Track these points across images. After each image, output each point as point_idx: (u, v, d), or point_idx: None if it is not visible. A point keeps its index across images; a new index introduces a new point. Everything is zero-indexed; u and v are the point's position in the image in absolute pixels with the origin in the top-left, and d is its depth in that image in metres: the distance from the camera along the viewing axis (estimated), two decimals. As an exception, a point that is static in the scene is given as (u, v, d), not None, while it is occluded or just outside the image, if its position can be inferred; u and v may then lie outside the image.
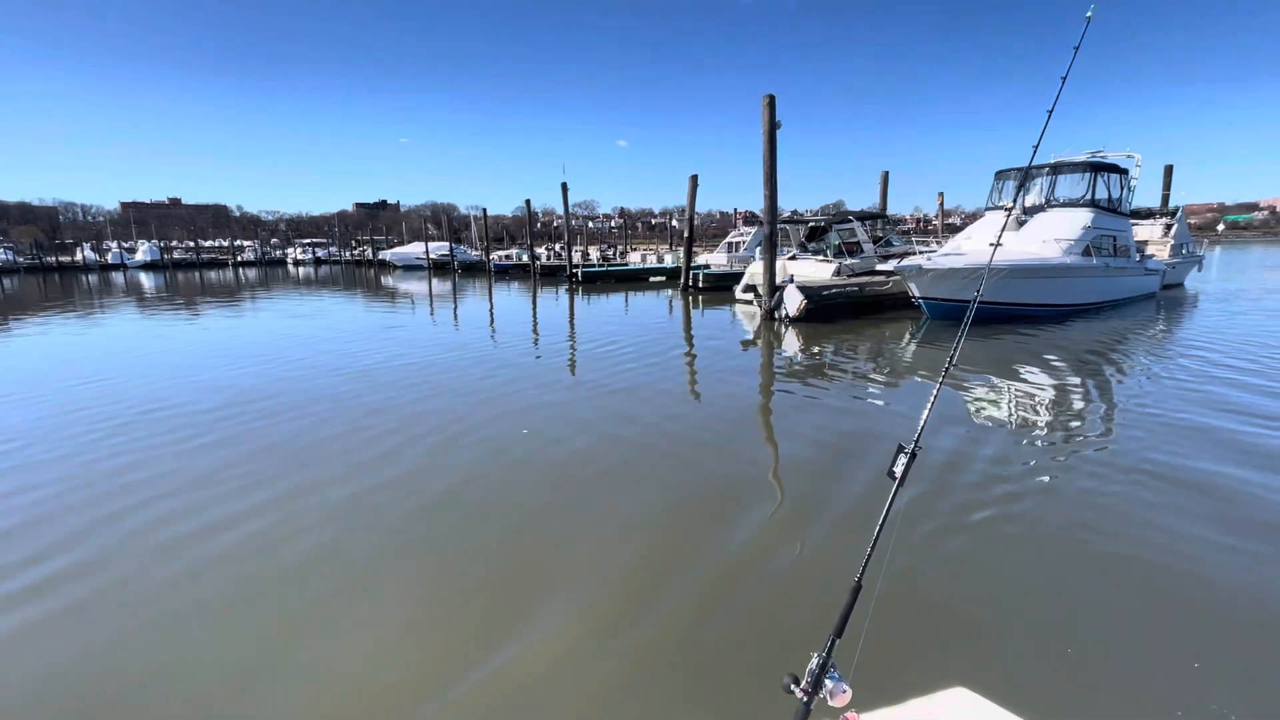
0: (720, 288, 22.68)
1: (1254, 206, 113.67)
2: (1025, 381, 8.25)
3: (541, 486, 4.94)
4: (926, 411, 2.02)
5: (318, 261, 70.57)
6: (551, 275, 34.44)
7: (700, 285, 22.42)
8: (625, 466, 5.36)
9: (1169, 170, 24.14)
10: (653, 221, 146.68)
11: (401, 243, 72.34)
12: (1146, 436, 5.89)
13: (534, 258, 34.76)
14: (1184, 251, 19.81)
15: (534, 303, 21.09)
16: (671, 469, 5.30)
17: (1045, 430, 6.22)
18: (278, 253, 76.05)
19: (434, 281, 33.50)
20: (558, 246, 50.77)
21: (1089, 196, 14.71)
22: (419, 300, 22.65)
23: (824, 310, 13.87)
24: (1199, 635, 3.09)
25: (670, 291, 24.15)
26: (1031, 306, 13.18)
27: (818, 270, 16.41)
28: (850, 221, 18.12)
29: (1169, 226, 19.92)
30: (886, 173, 23.33)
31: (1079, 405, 7.19)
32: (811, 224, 19.29)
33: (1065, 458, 5.44)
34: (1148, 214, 21.54)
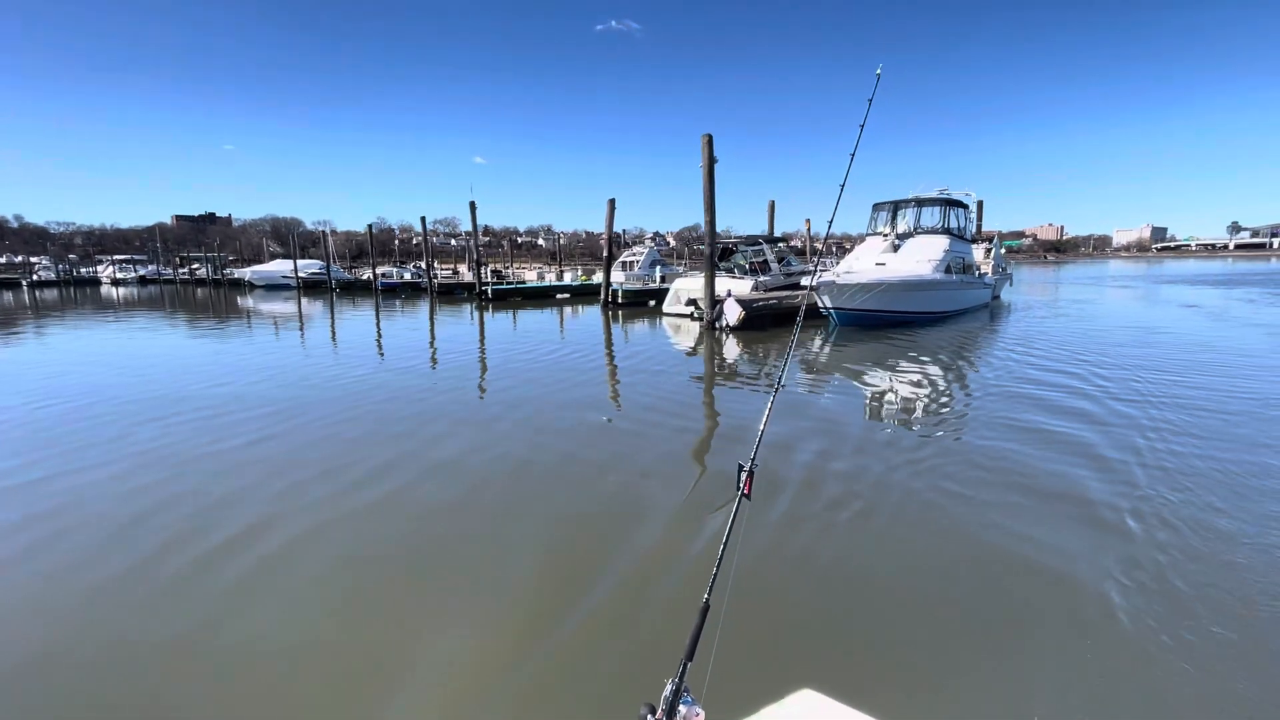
0: (636, 303, 24.44)
1: (1022, 234, 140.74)
2: (891, 377, 9.75)
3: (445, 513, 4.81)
4: (762, 427, 2.09)
5: (142, 280, 61.63)
6: (448, 294, 34.05)
7: (619, 301, 23.96)
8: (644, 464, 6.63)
9: (980, 205, 30.19)
10: (519, 240, 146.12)
11: (241, 260, 65.68)
12: (981, 429, 6.61)
13: (431, 275, 34.12)
14: (1001, 270, 25.12)
15: (481, 323, 21.26)
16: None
17: (895, 425, 6.85)
18: (85, 270, 65.02)
19: (306, 303, 31.62)
20: (420, 264, 49.67)
21: (944, 225, 18.54)
22: (309, 324, 21.70)
23: (755, 320, 16.06)
24: (1030, 619, 3.32)
25: (585, 308, 25.44)
26: (911, 314, 16.38)
27: (737, 286, 18.68)
28: (760, 244, 20.79)
29: (988, 250, 25.14)
30: (773, 201, 26.79)
31: (927, 400, 8.12)
32: (724, 246, 21.71)
33: (911, 452, 5.88)
34: (972, 240, 26.92)
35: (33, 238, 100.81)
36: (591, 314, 22.63)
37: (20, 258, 76.19)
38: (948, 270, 17.44)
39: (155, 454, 6.19)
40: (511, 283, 32.33)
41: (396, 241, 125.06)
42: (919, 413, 7.50)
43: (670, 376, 9.99)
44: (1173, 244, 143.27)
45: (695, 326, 17.44)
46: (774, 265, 20.35)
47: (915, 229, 18.80)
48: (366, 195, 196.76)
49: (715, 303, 16.02)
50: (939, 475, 5.32)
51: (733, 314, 15.50)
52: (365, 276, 46.75)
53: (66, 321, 21.66)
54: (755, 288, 18.66)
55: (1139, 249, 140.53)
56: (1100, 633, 3.21)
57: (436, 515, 4.66)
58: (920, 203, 18.96)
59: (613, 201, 23.08)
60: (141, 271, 66.28)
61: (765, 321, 16.52)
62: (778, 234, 27.37)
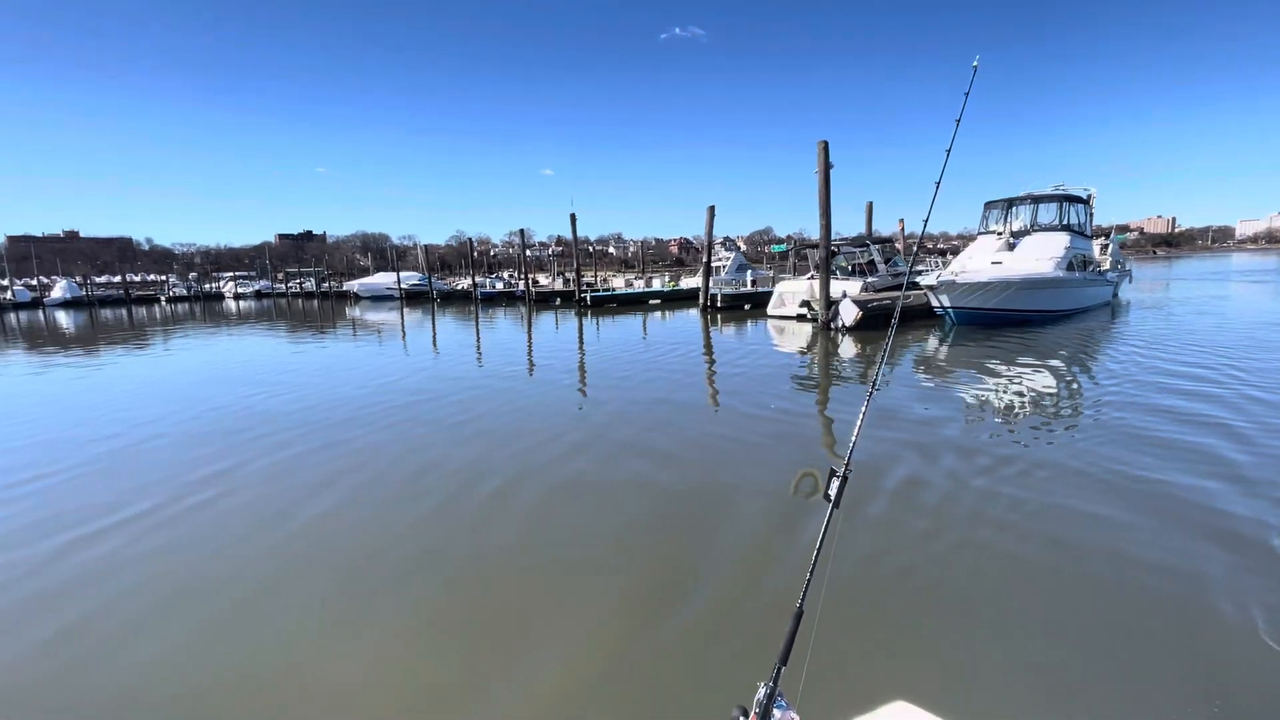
0: (733, 307, 25.23)
1: (1126, 228, 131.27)
2: (1011, 379, 9.46)
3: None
4: (855, 433, 2.08)
5: (258, 295, 67.94)
6: (544, 301, 35.93)
7: (719, 305, 24.80)
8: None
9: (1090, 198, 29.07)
10: (590, 248, 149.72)
11: (341, 274, 70.93)
12: (1100, 439, 6.15)
13: (529, 284, 36.12)
14: (1119, 266, 24.20)
15: (580, 329, 22.66)
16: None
17: (1010, 431, 6.52)
18: (208, 286, 72.38)
19: (414, 313, 34.07)
20: (506, 274, 52.20)
21: (1064, 222, 18.31)
22: (423, 332, 23.70)
23: (871, 320, 16.49)
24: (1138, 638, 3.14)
25: (679, 313, 26.46)
26: (1033, 312, 16.32)
27: (847, 288, 19.12)
28: (867, 245, 21.14)
29: (1105, 246, 24.29)
30: (871, 203, 26.91)
31: (1046, 405, 7.68)
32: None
33: (1024, 461, 5.56)
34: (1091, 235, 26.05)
35: (161, 258, 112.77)
36: (689, 318, 23.59)
37: (152, 276, 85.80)
38: (1069, 267, 17.24)
39: (384, 426, 7.54)
40: (607, 290, 33.85)
41: (474, 253, 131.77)
42: (1037, 419, 7.10)
43: (777, 378, 10.21)
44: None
45: (802, 328, 18.03)
46: (881, 266, 20.61)
47: (1032, 226, 18.64)
48: (445, 210, 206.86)
49: (830, 304, 16.57)
50: (1053, 489, 4.95)
51: (849, 315, 16.01)
52: (460, 287, 49.76)
53: (232, 331, 24.70)
54: (864, 289, 19.03)
55: (1269, 240, 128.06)
56: (1232, 674, 2.90)
57: (540, 514, 4.81)
58: (1036, 199, 18.79)
59: (712, 209, 24.00)
60: (256, 286, 72.86)
61: (879, 321, 16.90)
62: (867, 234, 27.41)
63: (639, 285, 37.91)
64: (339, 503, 5.23)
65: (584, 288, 30.68)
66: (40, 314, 41.91)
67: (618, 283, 40.55)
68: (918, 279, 19.10)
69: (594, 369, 11.79)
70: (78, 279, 60.12)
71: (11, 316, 39.69)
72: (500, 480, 5.55)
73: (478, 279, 50.51)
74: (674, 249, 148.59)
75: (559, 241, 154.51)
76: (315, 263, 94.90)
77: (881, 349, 2.83)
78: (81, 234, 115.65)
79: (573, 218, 29.23)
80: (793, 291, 20.37)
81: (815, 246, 22.99)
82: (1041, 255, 17.05)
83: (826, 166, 15.75)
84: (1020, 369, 10.39)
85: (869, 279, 19.68)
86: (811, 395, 9.01)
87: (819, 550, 1.84)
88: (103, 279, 75.63)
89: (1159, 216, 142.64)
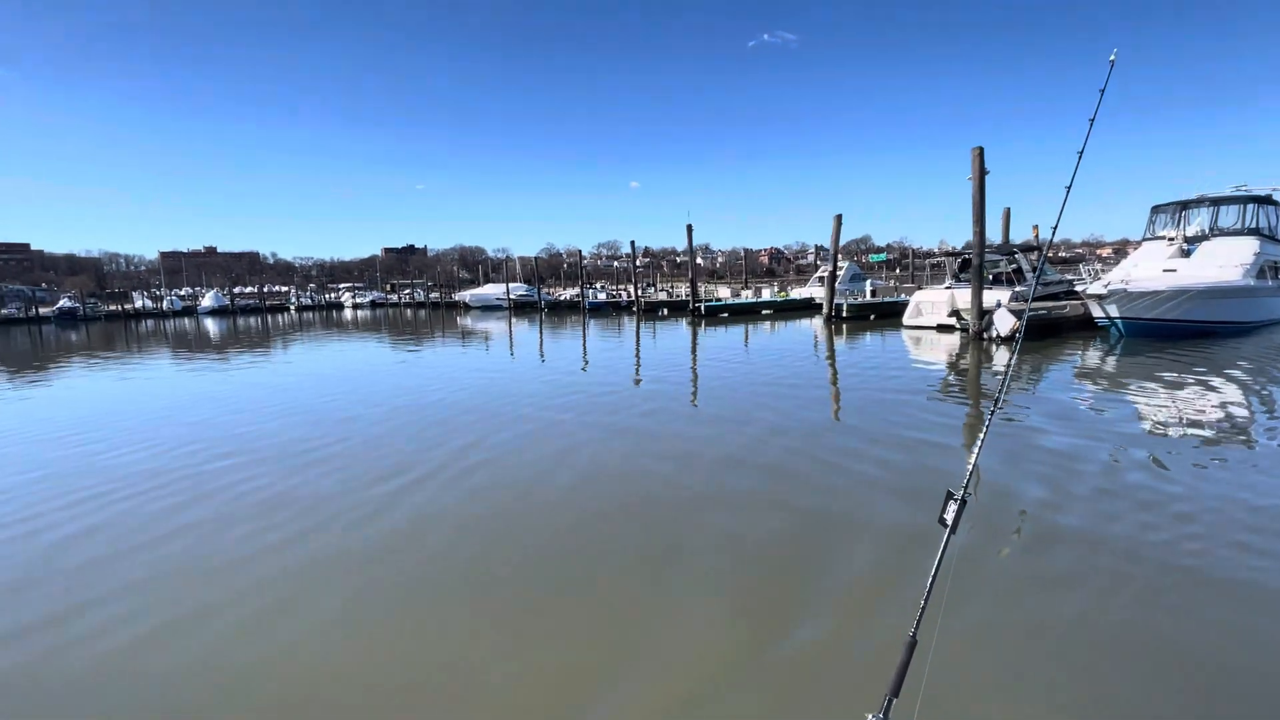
0: (858, 317, 25.10)
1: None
2: (1189, 399, 8.79)
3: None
4: (974, 455, 2.02)
5: (373, 305, 73.93)
6: (651, 312, 37.03)
7: (844, 315, 24.78)
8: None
9: None
10: (677, 259, 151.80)
11: (444, 286, 75.44)
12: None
13: (639, 294, 37.35)
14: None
15: (693, 338, 23.38)
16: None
17: (1177, 461, 5.96)
18: (328, 296, 79.51)
19: (516, 321, 35.90)
20: (604, 285, 53.66)
21: (1251, 225, 17.10)
22: (561, 340, 25.09)
23: (1026, 330, 16.10)
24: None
25: (792, 323, 26.64)
26: (1215, 324, 15.36)
27: (993, 298, 18.70)
28: (1015, 253, 20.59)
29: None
30: (1009, 209, 26.02)
31: (1227, 433, 6.88)
32: (963, 258, 21.73)
33: (1193, 500, 4.93)
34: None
35: (283, 270, 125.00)
36: (806, 330, 23.79)
37: (279, 287, 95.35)
38: (1260, 274, 16.09)
39: (525, 421, 8.40)
40: (716, 300, 34.51)
41: (564, 265, 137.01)
42: (1214, 448, 6.34)
43: (917, 392, 9.96)
44: None
45: (943, 339, 17.78)
46: (1029, 274, 19.98)
47: (1211, 231, 17.53)
48: (535, 221, 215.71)
49: (983, 313, 16.33)
50: (1224, 542, 4.28)
51: (1005, 324, 15.72)
52: (564, 297, 52.01)
53: (371, 339, 27.33)
54: (1014, 298, 18.53)
55: None
56: None
57: (650, 524, 4.85)
58: (1215, 202, 17.66)
59: (839, 218, 24.08)
60: (370, 296, 79.24)
61: (1035, 332, 16.45)
62: (994, 242, 26.47)
63: (746, 295, 38.27)
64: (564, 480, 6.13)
65: (697, 299, 31.37)
66: (188, 321, 47.76)
67: (723, 293, 41.08)
68: (1078, 287, 18.42)
69: (716, 380, 12.05)
70: (222, 290, 67.88)
71: (170, 323, 45.51)
72: (624, 487, 5.74)
73: (578, 290, 52.65)
74: (764, 259, 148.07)
75: (647, 252, 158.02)
76: (418, 274, 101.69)
77: (1008, 363, 2.91)
78: (219, 249, 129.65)
79: (689, 229, 30.12)
80: (932, 301, 20.12)
81: (955, 255, 22.59)
82: (1226, 262, 16.01)
83: (981, 172, 15.63)
84: (1201, 389, 9.64)
85: (1017, 288, 19.13)
86: (959, 409, 8.71)
87: (934, 578, 1.81)
88: (236, 290, 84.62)
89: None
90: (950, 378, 11.80)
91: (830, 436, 7.31)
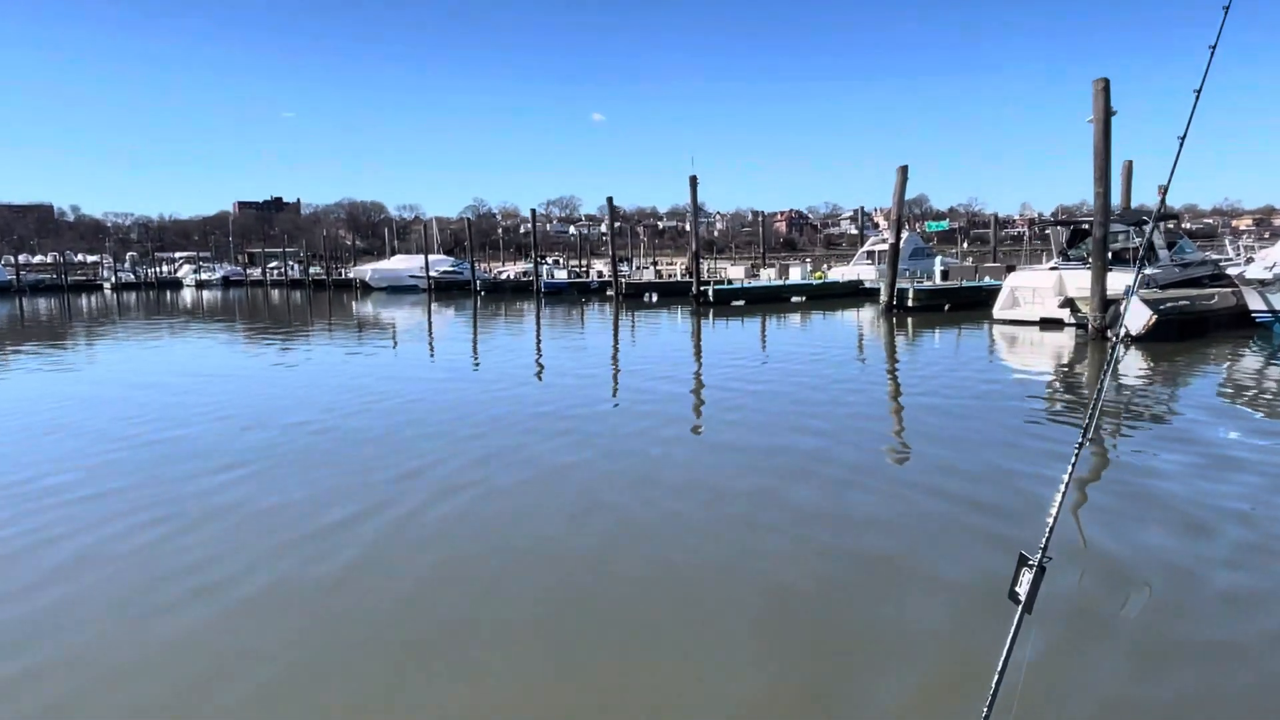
0: (929, 306, 25.84)
1: None
2: None
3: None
4: (1057, 503, 2.14)
5: (226, 282, 72.96)
6: (634, 297, 37.43)
7: (910, 305, 25.49)
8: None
9: None
10: (659, 225, 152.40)
11: (329, 257, 74.68)
12: None
13: (618, 274, 37.80)
14: None
15: (697, 335, 23.82)
16: None
17: None
18: (159, 271, 77.83)
19: (439, 308, 36.11)
20: (552, 260, 53.58)
21: None
22: (588, 332, 25.24)
23: (1164, 327, 16.83)
24: None
25: (853, 315, 27.30)
26: None
27: (1118, 282, 19.47)
28: (1147, 223, 21.39)
29: None
30: (1130, 162, 27.05)
31: None
32: (1075, 227, 22.55)
33: None
34: None
35: (89, 231, 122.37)
36: (854, 324, 24.58)
37: (79, 256, 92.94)
38: None
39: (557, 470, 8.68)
40: (727, 283, 35.13)
41: (500, 231, 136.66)
42: None
43: (1014, 415, 10.21)
44: None
45: (1051, 339, 18.50)
46: (1163, 252, 20.83)
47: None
48: (457, 171, 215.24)
49: (1108, 304, 17.03)
50: None
51: (1138, 319, 16.40)
52: (507, 275, 52.21)
53: (221, 333, 27.12)
54: (1145, 283, 19.32)
55: None
56: None
57: (662, 576, 5.28)
58: None
59: (904, 170, 24.80)
60: (221, 272, 78.20)
61: (1175, 329, 17.21)
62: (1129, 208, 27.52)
63: (768, 276, 38.93)
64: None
65: (703, 280, 31.93)
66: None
67: (733, 273, 41.74)
68: (1230, 270, 19.29)
69: (742, 399, 12.02)
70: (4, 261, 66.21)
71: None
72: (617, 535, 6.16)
73: (526, 266, 52.86)
74: (781, 225, 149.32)
75: (617, 215, 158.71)
76: (288, 240, 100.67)
77: (1100, 377, 2.75)
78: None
79: (693, 181, 30.63)
80: (1033, 287, 20.84)
81: (1066, 223, 23.41)
82: None
83: (1107, 112, 16.34)
84: None
85: (1148, 271, 19.92)
86: (1070, 438, 8.91)
87: (1003, 667, 1.95)
88: (22, 259, 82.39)
89: None
90: (1063, 393, 12.32)
91: (896, 481, 7.52)
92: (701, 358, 17.61)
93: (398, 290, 50.72)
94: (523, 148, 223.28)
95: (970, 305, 25.99)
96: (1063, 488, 2.26)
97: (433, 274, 49.61)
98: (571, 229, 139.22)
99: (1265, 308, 16.39)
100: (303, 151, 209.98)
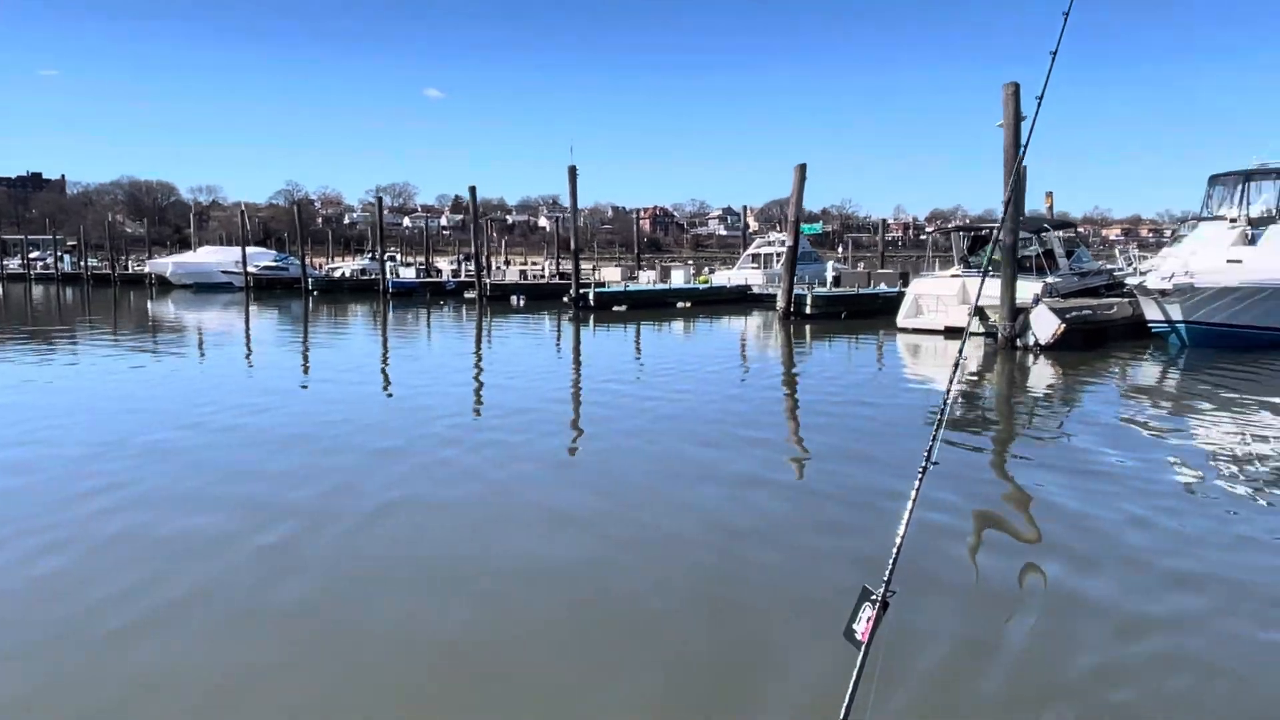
0: (827, 314, 27.50)
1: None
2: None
3: None
4: (901, 531, 2.35)
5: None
6: (499, 300, 37.56)
7: (808, 312, 27.04)
8: None
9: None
10: (509, 220, 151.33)
11: (114, 247, 69.88)
12: None
13: (482, 274, 37.77)
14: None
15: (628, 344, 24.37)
16: None
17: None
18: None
19: (259, 310, 35.12)
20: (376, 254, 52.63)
21: (1323, 208, 21.28)
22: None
23: (1071, 336, 18.82)
24: None
25: (742, 322, 28.64)
26: (1293, 332, 19.01)
27: (1024, 291, 21.54)
28: (1046, 229, 23.71)
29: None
30: (1023, 168, 29.80)
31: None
32: (975, 233, 24.70)
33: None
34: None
35: None
36: (747, 331, 25.90)
37: None
38: (1337, 272, 20.11)
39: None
40: (608, 287, 35.90)
41: (319, 219, 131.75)
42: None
43: (912, 426, 11.20)
44: None
45: (949, 347, 20.26)
46: (1063, 261, 23.20)
47: (1277, 212, 21.55)
48: (267, 146, 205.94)
49: (1017, 312, 18.86)
50: None
51: (1046, 328, 18.28)
52: (343, 273, 50.82)
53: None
54: (1048, 292, 21.46)
55: None
56: None
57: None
58: (1282, 173, 21.78)
59: (802, 168, 26.34)
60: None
61: (1080, 339, 19.27)
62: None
63: (649, 280, 40.00)
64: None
65: (582, 283, 32.55)
66: None
67: (608, 275, 42.56)
68: (1126, 279, 21.73)
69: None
70: None
71: None
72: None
73: (365, 263, 51.73)
74: (645, 224, 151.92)
75: (459, 204, 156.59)
76: (53, 225, 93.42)
77: (948, 389, 3.26)
78: None
79: (572, 172, 31.18)
80: (936, 294, 22.67)
81: (969, 229, 25.57)
82: (1302, 252, 19.83)
83: (1018, 117, 18.17)
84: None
85: (1049, 279, 22.14)
86: (979, 457, 9.80)
87: (847, 707, 2.09)
88: None
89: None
90: (972, 405, 13.54)
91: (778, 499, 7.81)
92: (623, 369, 18.06)
93: (207, 289, 48.35)
94: (342, 124, 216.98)
95: (867, 313, 27.85)
96: (906, 516, 2.45)
97: (251, 270, 47.65)
98: (407, 220, 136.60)
99: (1162, 318, 18.61)
100: (69, 119, 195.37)
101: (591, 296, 31.66)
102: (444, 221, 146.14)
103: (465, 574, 5.96)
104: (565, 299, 34.07)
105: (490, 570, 6.00)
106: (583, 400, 13.89)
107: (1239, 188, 22.13)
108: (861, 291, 30.13)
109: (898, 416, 12.30)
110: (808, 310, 27.22)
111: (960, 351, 3.44)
